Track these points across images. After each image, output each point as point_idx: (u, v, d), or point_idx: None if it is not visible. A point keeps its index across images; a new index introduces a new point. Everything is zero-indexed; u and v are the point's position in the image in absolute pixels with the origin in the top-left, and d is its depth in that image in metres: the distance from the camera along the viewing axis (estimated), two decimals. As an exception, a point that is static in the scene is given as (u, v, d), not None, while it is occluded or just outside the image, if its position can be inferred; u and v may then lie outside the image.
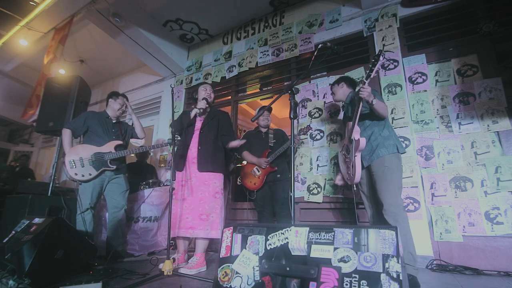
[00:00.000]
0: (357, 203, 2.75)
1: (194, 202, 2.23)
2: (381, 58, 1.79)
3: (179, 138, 2.52)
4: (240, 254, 1.13)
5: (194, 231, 2.17)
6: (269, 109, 2.97)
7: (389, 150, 1.95)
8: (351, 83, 2.34)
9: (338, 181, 2.35)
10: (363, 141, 1.94)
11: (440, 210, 2.37)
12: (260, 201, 2.87)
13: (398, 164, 1.96)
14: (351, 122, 2.03)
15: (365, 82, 1.82)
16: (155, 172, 4.19)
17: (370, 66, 1.82)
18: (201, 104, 2.38)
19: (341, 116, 3.04)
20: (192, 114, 2.39)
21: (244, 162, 2.59)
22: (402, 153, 2.01)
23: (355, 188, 2.13)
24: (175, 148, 2.25)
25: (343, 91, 2.32)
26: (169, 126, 2.57)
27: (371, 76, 1.80)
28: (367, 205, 2.15)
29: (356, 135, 1.98)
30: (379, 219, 2.01)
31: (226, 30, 4.37)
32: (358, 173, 1.99)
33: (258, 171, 2.84)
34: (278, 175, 2.80)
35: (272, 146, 2.93)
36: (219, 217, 2.23)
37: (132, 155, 2.95)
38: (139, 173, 3.91)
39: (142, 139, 3.01)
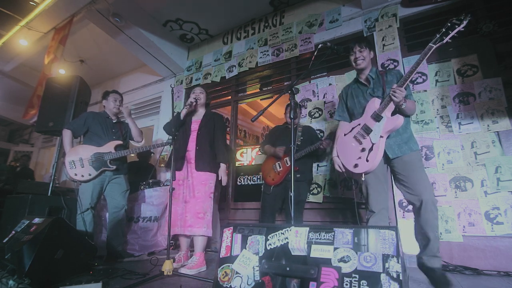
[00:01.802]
0: (358, 203, 2.75)
1: (192, 201, 2.29)
2: (464, 22, 1.47)
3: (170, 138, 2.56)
4: (240, 254, 1.13)
5: (192, 229, 2.22)
6: (296, 105, 2.81)
7: (418, 147, 1.81)
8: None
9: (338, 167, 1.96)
10: (400, 119, 1.67)
11: (440, 210, 2.36)
12: (272, 199, 2.72)
13: None
14: (376, 98, 1.79)
15: (402, 84, 1.63)
16: (155, 172, 4.18)
17: (444, 30, 1.53)
18: (190, 100, 2.44)
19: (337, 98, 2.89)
20: (183, 113, 2.44)
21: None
22: None
23: (363, 178, 1.83)
24: (172, 148, 2.28)
25: (370, 64, 1.96)
26: (163, 128, 2.58)
27: (443, 42, 1.54)
28: (373, 207, 1.78)
29: (389, 112, 1.71)
30: (379, 221, 1.76)
31: (226, 30, 4.37)
32: (379, 158, 1.70)
33: (280, 167, 2.71)
34: (298, 175, 2.62)
35: (300, 144, 2.73)
36: (211, 217, 2.32)
37: (132, 155, 2.94)
38: (140, 173, 3.90)
39: (138, 142, 2.97)
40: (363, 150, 1.77)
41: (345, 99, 2.08)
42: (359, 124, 1.85)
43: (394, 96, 1.63)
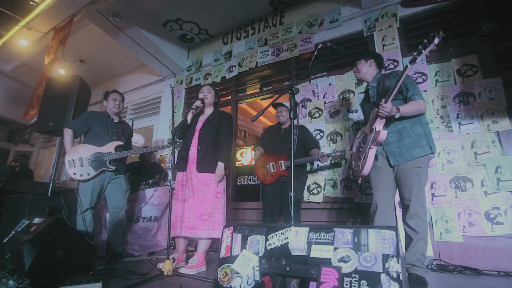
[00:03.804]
0: (359, 203, 2.76)
1: (195, 202, 2.25)
2: (435, 40, 1.53)
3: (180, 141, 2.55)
4: (240, 254, 1.13)
5: (195, 231, 2.19)
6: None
7: (425, 151, 1.78)
8: (380, 63, 2.08)
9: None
10: (383, 134, 1.74)
11: (440, 210, 2.37)
12: (269, 199, 2.73)
13: (428, 165, 1.84)
14: (376, 109, 1.83)
15: (387, 100, 1.69)
16: (163, 170, 4.12)
17: (420, 47, 1.60)
18: (195, 104, 2.40)
19: (358, 101, 2.96)
20: (189, 118, 2.42)
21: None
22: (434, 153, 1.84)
23: (359, 181, 2.00)
24: (177, 150, 2.26)
25: (371, 71, 2.03)
26: (171, 132, 2.53)
27: (417, 61, 1.62)
28: (378, 201, 1.86)
29: (379, 125, 1.79)
30: (383, 219, 1.84)
31: (226, 30, 4.37)
32: (368, 167, 1.82)
33: (273, 169, 2.72)
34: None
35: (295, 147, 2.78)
36: (222, 217, 2.25)
37: (133, 155, 2.92)
38: (145, 173, 3.88)
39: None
40: (359, 158, 1.94)
41: (363, 109, 2.25)
42: (363, 132, 2.01)
43: (380, 113, 1.75)
